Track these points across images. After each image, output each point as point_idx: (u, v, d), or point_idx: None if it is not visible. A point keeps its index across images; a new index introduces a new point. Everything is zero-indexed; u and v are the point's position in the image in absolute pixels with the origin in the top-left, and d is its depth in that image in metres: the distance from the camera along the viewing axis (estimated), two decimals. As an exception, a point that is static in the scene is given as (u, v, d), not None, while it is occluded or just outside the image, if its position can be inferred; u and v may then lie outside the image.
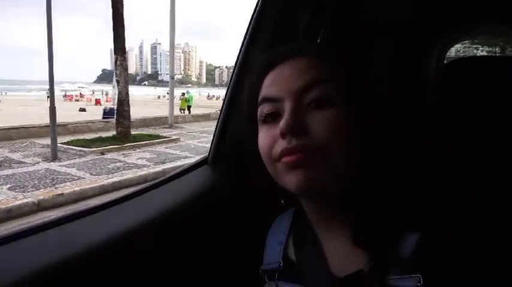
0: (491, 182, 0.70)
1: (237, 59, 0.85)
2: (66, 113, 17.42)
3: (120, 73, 9.91)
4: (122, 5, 9.67)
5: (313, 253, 0.58)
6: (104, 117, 15.06)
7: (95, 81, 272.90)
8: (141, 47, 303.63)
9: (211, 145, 0.91)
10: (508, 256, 0.43)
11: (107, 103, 32.18)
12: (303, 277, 0.59)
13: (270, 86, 0.55)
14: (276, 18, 0.83)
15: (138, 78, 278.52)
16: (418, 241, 0.47)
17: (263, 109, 0.55)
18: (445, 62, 1.87)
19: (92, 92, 41.78)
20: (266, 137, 0.54)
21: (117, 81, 10.05)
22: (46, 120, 10.86)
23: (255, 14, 0.83)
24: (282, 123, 0.51)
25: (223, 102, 0.88)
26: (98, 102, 32.34)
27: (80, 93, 44.01)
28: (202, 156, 0.93)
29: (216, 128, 0.90)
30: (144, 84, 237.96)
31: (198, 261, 0.73)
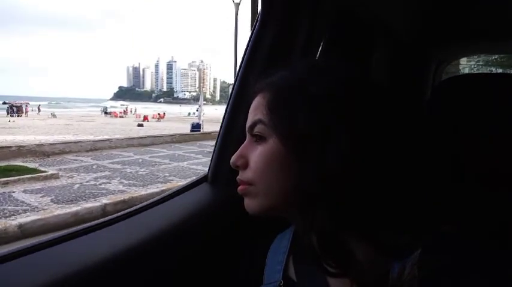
0: (487, 199, 0.71)
1: (236, 77, 0.87)
2: (130, 127, 21.63)
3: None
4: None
5: (313, 271, 0.57)
6: (191, 131, 17.69)
7: (111, 99, 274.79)
8: (157, 65, 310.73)
9: (210, 163, 0.91)
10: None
11: (153, 119, 35.17)
12: None
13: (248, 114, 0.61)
14: (275, 34, 0.84)
15: (153, 95, 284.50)
16: (413, 263, 0.48)
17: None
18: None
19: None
20: None
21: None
22: (109, 134, 13.60)
23: (253, 32, 0.85)
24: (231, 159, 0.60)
25: (223, 120, 0.89)
26: (145, 118, 33.66)
27: (124, 110, 49.24)
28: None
29: (215, 146, 0.91)
30: (160, 101, 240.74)
31: (197, 280, 0.73)
